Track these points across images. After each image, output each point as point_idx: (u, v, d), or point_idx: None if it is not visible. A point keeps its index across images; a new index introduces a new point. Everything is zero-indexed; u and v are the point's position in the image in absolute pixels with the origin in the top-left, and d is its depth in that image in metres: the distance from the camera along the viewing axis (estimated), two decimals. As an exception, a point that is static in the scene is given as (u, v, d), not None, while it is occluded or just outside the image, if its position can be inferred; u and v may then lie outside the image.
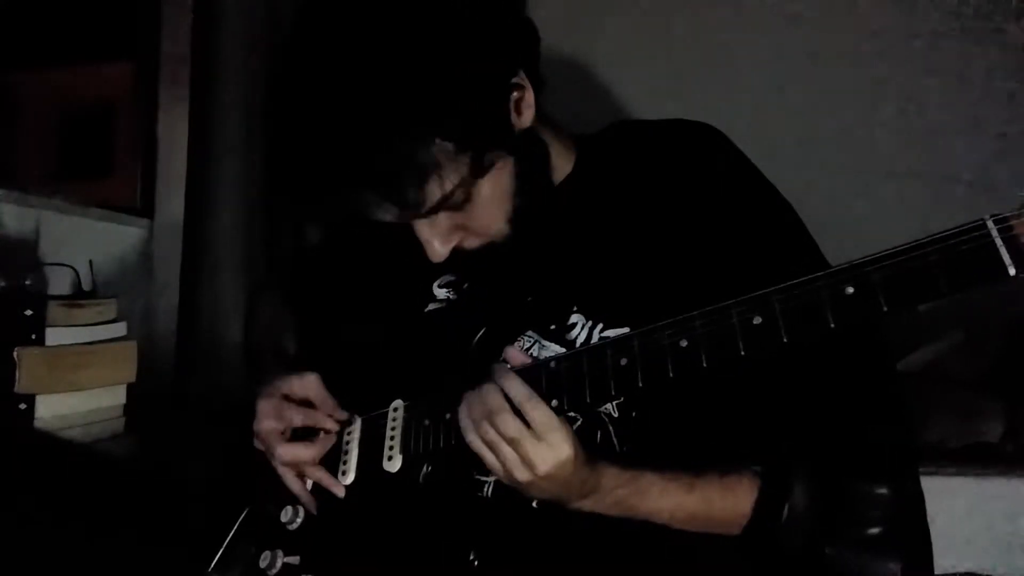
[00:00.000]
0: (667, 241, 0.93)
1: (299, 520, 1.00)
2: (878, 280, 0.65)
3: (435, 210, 0.87)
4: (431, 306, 1.06)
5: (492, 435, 0.80)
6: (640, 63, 2.01)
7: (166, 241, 1.75)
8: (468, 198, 0.87)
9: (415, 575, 0.92)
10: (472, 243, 0.92)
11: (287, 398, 1.01)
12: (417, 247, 0.92)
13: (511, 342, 0.95)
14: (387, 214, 0.86)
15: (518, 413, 0.79)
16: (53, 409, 1.28)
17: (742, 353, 0.71)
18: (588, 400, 0.80)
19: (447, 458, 0.91)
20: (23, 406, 1.25)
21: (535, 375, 0.82)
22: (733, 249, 0.90)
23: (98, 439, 1.30)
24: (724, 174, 0.96)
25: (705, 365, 0.73)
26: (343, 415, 0.99)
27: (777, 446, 0.89)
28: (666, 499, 0.86)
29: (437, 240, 0.90)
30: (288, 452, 0.99)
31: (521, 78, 0.89)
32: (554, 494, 0.83)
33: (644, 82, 1.99)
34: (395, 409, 0.96)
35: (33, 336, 1.27)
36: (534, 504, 0.89)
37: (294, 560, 0.97)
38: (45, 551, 0.88)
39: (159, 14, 1.79)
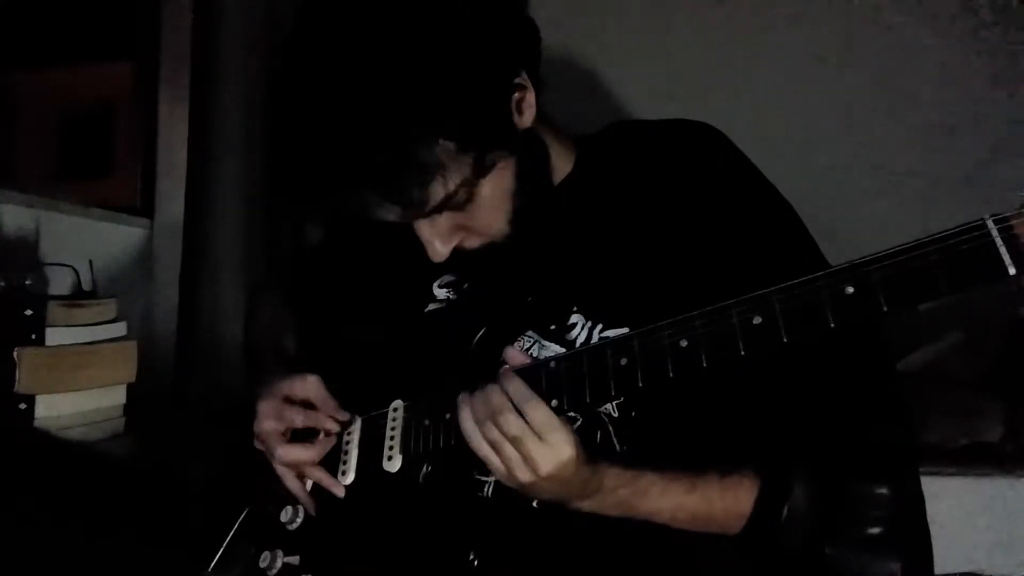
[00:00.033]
0: (667, 241, 0.93)
1: (299, 520, 1.00)
2: (878, 280, 0.65)
3: (437, 210, 0.87)
4: (431, 306, 1.06)
5: (495, 434, 0.80)
6: (640, 63, 2.01)
7: (166, 241, 1.75)
8: (470, 198, 0.88)
9: (415, 575, 0.92)
10: (473, 243, 0.92)
11: (288, 399, 1.01)
12: (417, 247, 0.92)
13: (511, 342, 0.94)
14: (390, 214, 0.86)
15: (520, 414, 0.79)
16: (53, 409, 1.28)
17: (742, 353, 0.71)
18: (588, 400, 0.80)
19: (447, 458, 0.91)
20: (23, 406, 1.25)
21: (535, 375, 0.82)
22: (733, 249, 0.90)
23: (98, 439, 1.30)
24: (724, 174, 0.96)
25: (705, 365, 0.73)
26: (344, 416, 0.99)
27: (777, 446, 0.89)
28: (667, 499, 0.86)
29: (438, 240, 0.90)
30: (288, 453, 0.99)
31: (523, 78, 0.89)
32: (556, 494, 0.83)
33: (644, 82, 1.99)
34: (395, 409, 0.96)
35: (33, 336, 1.27)
36: (534, 504, 0.89)
37: (294, 560, 0.97)
38: (45, 551, 0.88)
39: (159, 14, 1.79)
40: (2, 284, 1.28)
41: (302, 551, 0.98)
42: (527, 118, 0.91)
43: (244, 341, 1.66)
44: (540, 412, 0.79)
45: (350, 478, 0.98)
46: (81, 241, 1.57)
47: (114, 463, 1.17)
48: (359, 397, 1.01)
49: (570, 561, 0.89)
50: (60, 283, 1.44)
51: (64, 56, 1.86)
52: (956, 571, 1.38)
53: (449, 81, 0.81)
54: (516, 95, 0.89)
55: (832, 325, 0.67)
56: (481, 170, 0.86)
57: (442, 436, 0.89)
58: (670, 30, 2.03)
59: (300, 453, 0.99)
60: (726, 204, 0.93)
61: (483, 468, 0.85)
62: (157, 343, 1.69)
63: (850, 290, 0.67)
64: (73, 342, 1.32)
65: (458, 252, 0.92)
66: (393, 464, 0.93)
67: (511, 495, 0.85)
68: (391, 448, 0.94)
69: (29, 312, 1.27)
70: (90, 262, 1.47)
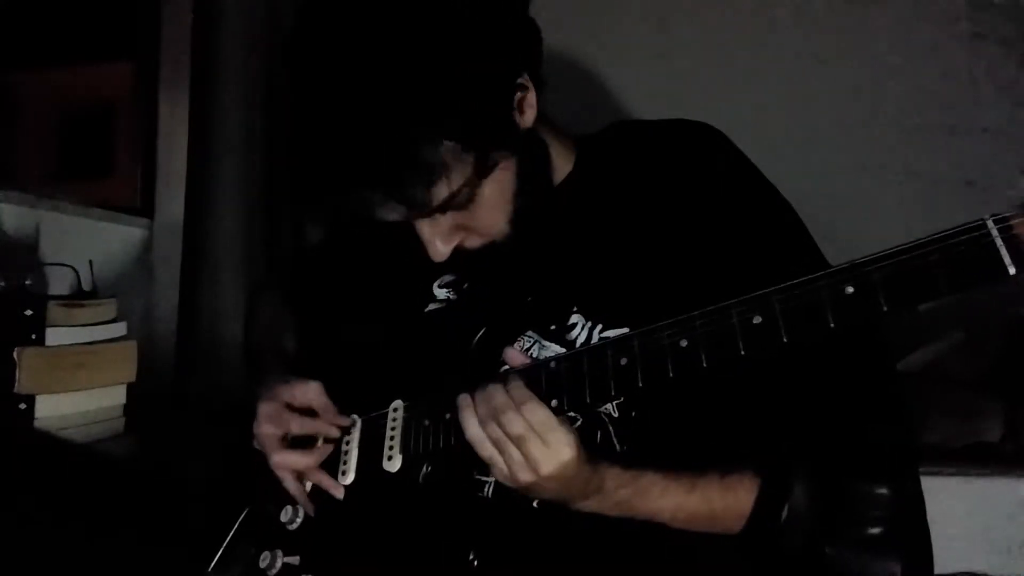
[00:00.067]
0: (667, 241, 0.93)
1: (299, 520, 1.00)
2: (878, 280, 0.65)
3: (440, 210, 0.87)
4: (431, 306, 1.06)
5: (498, 434, 0.80)
6: (640, 63, 2.01)
7: (166, 241, 1.75)
8: (471, 198, 0.88)
9: (415, 575, 0.92)
10: (473, 243, 0.93)
11: (289, 406, 1.01)
12: (417, 247, 0.92)
13: (511, 342, 0.94)
14: (393, 214, 0.86)
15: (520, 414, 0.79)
16: (53, 409, 1.28)
17: (742, 353, 0.71)
18: (588, 400, 0.80)
19: (447, 458, 0.91)
20: (23, 406, 1.25)
21: (535, 375, 0.82)
22: (733, 249, 0.91)
23: (98, 439, 1.30)
24: (724, 174, 0.96)
25: (705, 365, 0.73)
26: (344, 423, 0.99)
27: (777, 446, 0.89)
28: (667, 499, 0.86)
29: (439, 240, 0.90)
30: (283, 459, 0.99)
31: (524, 78, 0.89)
32: (557, 495, 0.83)
33: (644, 82, 1.98)
34: (395, 409, 0.96)
35: (33, 336, 1.27)
36: (534, 504, 0.89)
37: (294, 560, 0.97)
38: (45, 551, 0.88)
39: (159, 14, 1.79)
40: (2, 284, 1.28)
41: (302, 551, 0.98)
42: (528, 118, 0.91)
43: (244, 341, 1.66)
44: (540, 413, 0.79)
45: (350, 478, 0.98)
46: (81, 241, 1.57)
47: (114, 463, 1.17)
48: (359, 397, 1.01)
49: (570, 561, 0.89)
50: (60, 283, 1.44)
51: (64, 56, 1.86)
52: (956, 571, 1.38)
53: (453, 81, 0.81)
54: (518, 95, 0.89)
55: (832, 325, 0.67)
56: (483, 170, 0.86)
57: (442, 436, 0.89)
58: (670, 30, 2.02)
59: (295, 459, 0.99)
60: (726, 204, 0.93)
61: (483, 468, 0.85)
62: (157, 343, 1.69)
63: (850, 290, 0.67)
64: (73, 342, 1.32)
65: (458, 252, 0.92)
66: (393, 464, 0.93)
67: (511, 495, 0.85)
68: (391, 448, 0.94)
69: (29, 312, 1.27)
70: (90, 262, 1.47)
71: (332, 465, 1.00)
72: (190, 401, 1.67)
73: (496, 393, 0.81)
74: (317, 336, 1.20)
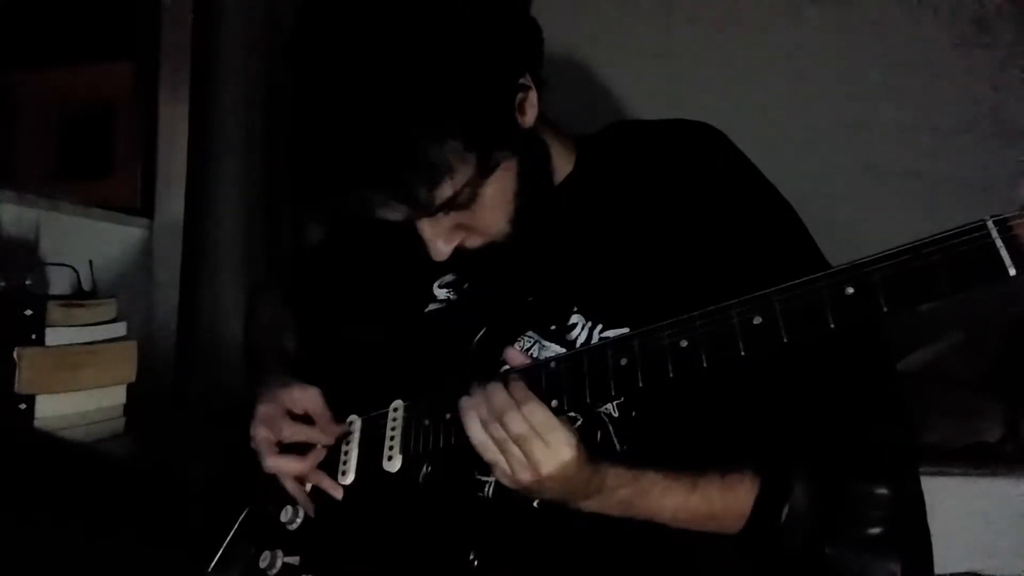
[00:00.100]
0: (667, 241, 0.93)
1: (299, 520, 1.00)
2: (878, 280, 0.65)
3: (443, 210, 0.87)
4: (431, 306, 1.06)
5: (500, 433, 0.80)
6: (640, 63, 2.01)
7: (166, 241, 1.75)
8: (473, 198, 0.88)
9: (415, 575, 0.92)
10: (474, 242, 0.93)
11: (287, 411, 1.01)
12: (417, 247, 0.92)
13: (511, 342, 0.95)
14: (396, 214, 0.86)
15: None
16: (53, 409, 1.28)
17: (742, 353, 0.71)
18: (588, 400, 0.80)
19: (447, 458, 0.91)
20: (23, 406, 1.25)
21: (535, 375, 0.82)
22: (733, 249, 0.91)
23: (98, 439, 1.30)
24: (724, 174, 0.96)
25: (705, 365, 0.73)
26: (339, 431, 0.99)
27: (777, 446, 0.89)
28: (668, 499, 0.86)
29: (440, 239, 0.90)
30: (275, 464, 0.99)
31: (526, 78, 0.89)
32: (557, 494, 0.83)
33: (644, 82, 1.98)
34: (395, 409, 0.96)
35: (33, 336, 1.27)
36: (535, 504, 0.89)
37: (294, 560, 0.97)
38: (45, 551, 0.88)
39: (159, 14, 1.79)
40: (2, 284, 1.28)
41: (302, 551, 0.98)
42: (529, 118, 0.91)
43: (244, 341, 1.66)
44: (540, 413, 0.79)
45: (350, 478, 0.98)
46: (81, 241, 1.57)
47: (114, 463, 1.17)
48: (359, 397, 1.01)
49: (570, 561, 0.89)
50: (60, 283, 1.44)
51: (64, 56, 1.86)
52: (956, 571, 1.38)
53: (456, 81, 0.81)
54: (519, 95, 0.89)
55: (832, 325, 0.67)
56: (485, 170, 0.86)
57: (442, 436, 0.89)
58: (670, 30, 2.02)
59: (289, 464, 0.99)
60: (726, 204, 0.93)
61: (483, 468, 0.85)
62: (157, 343, 1.69)
63: (850, 290, 0.67)
64: (73, 342, 1.32)
65: (459, 251, 0.92)
66: (393, 464, 0.93)
67: (511, 495, 0.85)
68: (391, 448, 0.94)
69: (29, 312, 1.27)
70: (90, 262, 1.47)
71: (332, 465, 1.00)
72: (190, 401, 1.67)
73: (497, 393, 0.81)
74: (317, 336, 1.20)
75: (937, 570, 0.92)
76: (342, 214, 1.09)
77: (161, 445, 1.36)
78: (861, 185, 1.90)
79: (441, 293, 1.06)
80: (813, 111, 1.93)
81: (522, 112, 0.90)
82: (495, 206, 0.90)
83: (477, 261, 0.94)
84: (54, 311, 1.30)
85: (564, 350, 0.93)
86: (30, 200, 1.51)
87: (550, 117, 0.98)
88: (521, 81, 0.89)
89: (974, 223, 0.62)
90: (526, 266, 0.97)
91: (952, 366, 1.70)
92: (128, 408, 1.40)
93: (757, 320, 0.71)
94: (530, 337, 0.97)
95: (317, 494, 1.00)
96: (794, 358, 0.73)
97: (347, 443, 1.00)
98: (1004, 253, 0.60)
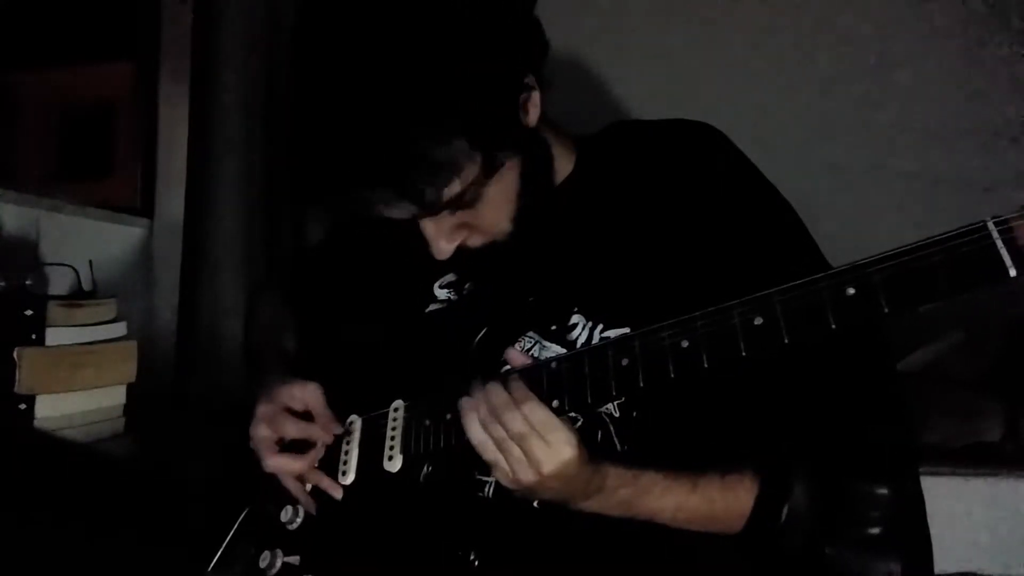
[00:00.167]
0: (667, 241, 0.93)
1: (299, 520, 1.00)
2: (879, 281, 0.65)
3: (448, 208, 0.87)
4: (432, 306, 1.06)
5: (500, 433, 0.80)
6: (640, 63, 2.01)
7: (166, 241, 1.75)
8: (477, 197, 0.88)
9: (415, 575, 0.92)
10: (475, 241, 0.93)
11: (287, 407, 1.01)
12: (418, 247, 0.92)
13: (512, 343, 0.94)
14: (402, 212, 0.86)
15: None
16: (53, 409, 1.28)
17: (743, 354, 0.71)
18: (589, 400, 0.80)
19: (448, 458, 0.91)
20: (23, 406, 1.25)
21: (536, 376, 0.82)
22: (733, 249, 0.91)
23: (98, 439, 1.30)
24: (724, 174, 0.96)
25: (706, 365, 0.73)
26: (339, 428, 0.99)
27: (777, 446, 0.89)
28: (668, 498, 0.86)
29: (443, 238, 0.90)
30: (275, 463, 0.99)
31: (529, 78, 0.89)
32: (558, 494, 0.83)
33: (644, 82, 1.98)
34: (395, 409, 0.96)
35: (33, 336, 1.27)
36: (535, 504, 0.89)
37: (294, 560, 0.97)
38: (45, 551, 0.88)
39: (159, 14, 1.79)
40: (2, 284, 1.28)
41: (302, 551, 0.98)
42: (532, 118, 0.91)
43: (244, 341, 1.66)
44: (540, 412, 0.79)
45: (350, 478, 0.98)
46: (81, 241, 1.57)
47: (114, 463, 1.17)
48: (359, 397, 1.01)
49: (571, 561, 0.89)
50: (60, 283, 1.44)
51: (64, 56, 1.86)
52: (956, 571, 1.38)
53: (463, 80, 0.81)
54: (523, 95, 0.89)
55: (833, 326, 0.67)
56: (490, 169, 0.87)
57: (443, 436, 0.89)
58: (670, 30, 2.02)
59: (289, 463, 0.99)
60: (726, 204, 0.93)
61: (484, 468, 0.85)
62: (157, 343, 1.69)
63: (851, 291, 0.67)
64: (73, 342, 1.32)
65: (460, 250, 0.92)
66: (394, 464, 0.93)
67: (511, 495, 0.85)
68: (391, 448, 0.94)
69: (29, 312, 1.27)
70: (90, 262, 1.47)
71: (332, 465, 1.00)
72: (190, 401, 1.67)
73: (496, 393, 0.81)
74: (317, 336, 1.20)
75: (937, 570, 0.92)
76: (348, 212, 1.09)
77: (161, 445, 1.36)
78: (862, 185, 1.91)
79: (442, 293, 1.06)
80: (813, 111, 1.93)
81: (525, 112, 0.90)
82: (498, 205, 0.90)
83: (478, 260, 0.94)
84: (54, 311, 1.30)
85: (565, 350, 0.93)
86: (30, 200, 1.51)
87: (551, 117, 0.98)
88: (525, 81, 0.89)
89: (974, 224, 0.62)
90: (527, 266, 0.97)
91: (952, 366, 1.70)
92: (128, 408, 1.40)
93: (758, 321, 0.71)
94: (531, 337, 0.97)
95: (317, 494, 1.00)
96: (795, 359, 0.73)
97: (347, 443, 1.00)
98: (1004, 254, 0.60)
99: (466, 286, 1.05)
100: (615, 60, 2.01)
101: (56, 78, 1.90)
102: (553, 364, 0.83)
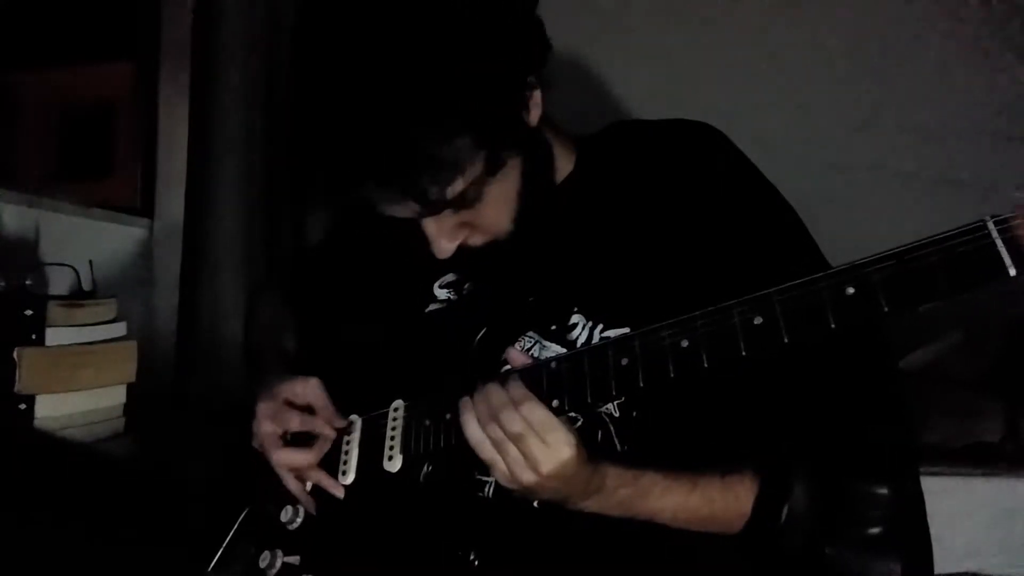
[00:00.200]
0: (667, 241, 0.93)
1: (299, 520, 1.00)
2: (879, 281, 0.65)
3: (451, 207, 0.87)
4: (432, 306, 1.06)
5: (498, 433, 0.80)
6: (640, 63, 2.01)
7: (166, 241, 1.75)
8: (479, 196, 0.88)
9: (415, 575, 0.92)
10: (476, 240, 0.93)
11: (289, 403, 1.01)
12: (418, 247, 0.92)
13: (512, 342, 0.95)
14: (405, 211, 0.86)
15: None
16: (53, 409, 1.27)
17: (743, 353, 0.71)
18: (589, 400, 0.80)
19: (448, 458, 0.91)
20: (23, 406, 1.24)
21: (536, 375, 0.82)
22: (733, 249, 0.91)
23: (98, 439, 1.30)
24: (724, 174, 0.96)
25: (706, 365, 0.73)
26: (342, 422, 0.99)
27: (777, 446, 0.89)
28: (668, 498, 0.86)
29: (444, 237, 0.91)
30: (283, 457, 0.99)
31: (531, 78, 0.89)
32: (558, 495, 0.83)
33: (644, 82, 1.98)
34: (395, 409, 0.96)
35: (33, 336, 1.27)
36: (535, 504, 0.89)
37: (294, 560, 0.97)
38: (45, 551, 0.88)
39: (159, 14, 1.79)
40: (2, 284, 1.28)
41: (302, 551, 0.98)
42: (534, 117, 0.92)
43: (244, 341, 1.66)
44: (539, 412, 0.79)
45: (350, 478, 0.98)
46: (81, 241, 1.57)
47: (114, 463, 1.17)
48: (359, 397, 1.01)
49: (570, 561, 0.89)
50: (60, 283, 1.44)
51: (64, 56, 1.86)
52: (956, 571, 1.38)
53: (467, 78, 0.81)
54: (526, 94, 0.89)
55: (833, 326, 0.67)
56: (493, 168, 0.87)
57: (443, 436, 0.89)
58: (670, 30, 2.02)
59: (295, 457, 0.99)
60: (726, 204, 0.93)
61: (484, 468, 0.85)
62: (157, 343, 1.68)
63: (851, 291, 0.67)
64: (73, 342, 1.32)
65: (461, 250, 0.92)
66: (393, 464, 0.93)
67: (511, 495, 0.85)
68: (391, 448, 0.94)
69: (29, 312, 1.27)
70: (90, 262, 1.47)
71: (332, 465, 1.00)
72: (190, 401, 1.67)
73: (495, 393, 0.81)
74: (317, 336, 1.20)
75: (937, 570, 0.92)
76: (350, 210, 1.09)
77: (161, 445, 1.36)
78: (861, 185, 1.90)
79: (442, 293, 1.06)
80: (813, 111, 1.93)
81: (527, 111, 0.91)
82: (499, 204, 0.91)
83: (479, 260, 0.94)
84: (54, 311, 1.30)
85: (565, 350, 0.93)
86: (30, 200, 1.51)
87: (551, 117, 0.98)
88: (527, 80, 0.89)
89: (974, 223, 0.62)
90: (527, 266, 0.97)
91: (952, 366, 1.70)
92: (128, 408, 1.40)
93: (758, 320, 0.71)
94: (531, 337, 0.97)
95: (317, 494, 1.00)
96: (795, 358, 0.73)
97: (347, 443, 1.00)
98: (1004, 253, 0.60)
99: (466, 286, 1.05)
100: (615, 60, 2.01)
101: (56, 78, 1.90)
102: (553, 364, 0.83)
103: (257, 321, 1.36)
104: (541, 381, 0.82)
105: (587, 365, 0.80)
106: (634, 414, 0.92)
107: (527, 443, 0.78)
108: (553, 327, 0.96)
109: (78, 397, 1.32)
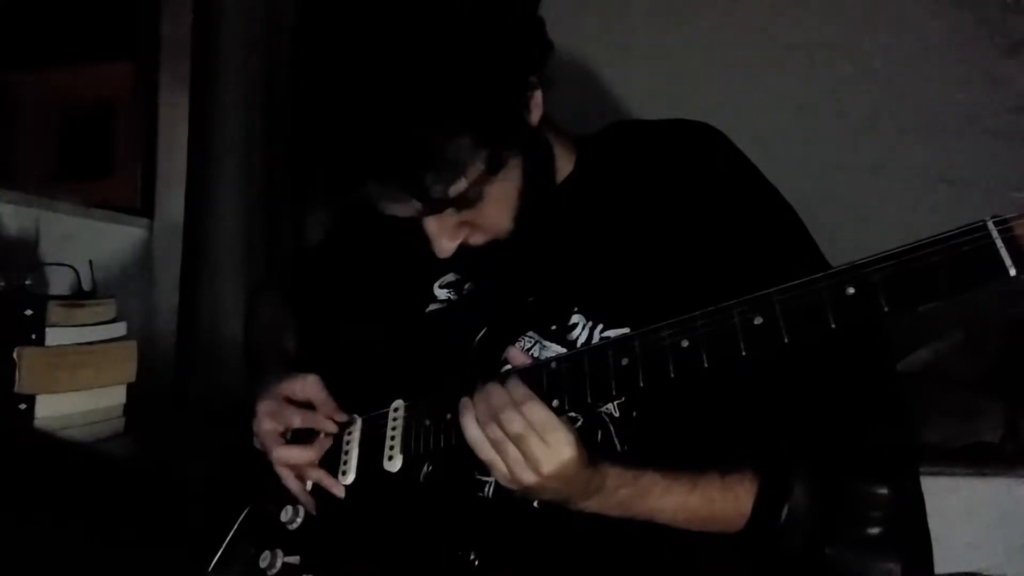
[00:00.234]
0: (667, 241, 0.93)
1: (299, 520, 1.00)
2: (879, 281, 0.65)
3: (453, 206, 0.87)
4: (432, 306, 1.06)
5: (498, 434, 0.80)
6: (640, 63, 2.01)
7: (166, 241, 1.75)
8: (480, 195, 0.88)
9: (415, 575, 0.92)
10: (477, 240, 0.93)
11: (288, 400, 1.01)
12: (418, 247, 0.92)
13: (512, 342, 0.95)
14: (407, 209, 0.86)
15: (520, 414, 0.79)
16: (53, 409, 1.28)
17: (743, 353, 0.71)
18: (589, 400, 0.80)
19: (448, 458, 0.91)
20: (23, 406, 1.25)
21: (536, 375, 0.82)
22: (733, 249, 0.91)
23: (98, 439, 1.30)
24: (724, 174, 0.96)
25: (706, 365, 0.73)
26: (343, 417, 0.99)
27: (777, 446, 0.89)
28: (668, 499, 0.86)
29: (445, 236, 0.91)
30: (285, 454, 0.99)
31: (533, 77, 0.90)
32: (557, 495, 0.83)
33: (644, 82, 1.98)
34: (395, 409, 0.96)
35: (33, 336, 1.27)
36: (535, 504, 0.89)
37: (294, 560, 0.97)
38: (45, 551, 0.88)
39: (159, 14, 1.79)
40: (2, 284, 1.28)
41: (302, 551, 0.98)
42: (535, 117, 0.92)
43: (244, 341, 1.66)
44: (539, 412, 0.79)
45: (350, 478, 0.98)
46: (81, 241, 1.57)
47: (114, 463, 1.17)
48: (359, 397, 1.01)
49: (570, 561, 0.89)
50: (60, 283, 1.44)
51: (64, 56, 1.85)
52: (956, 571, 1.39)
53: (470, 77, 0.81)
54: (527, 94, 0.89)
55: (833, 326, 0.67)
56: (495, 167, 0.87)
57: (443, 436, 0.89)
58: (670, 30, 2.02)
59: (298, 454, 0.99)
60: (726, 204, 0.93)
61: (484, 468, 0.85)
62: (157, 343, 1.68)
63: (851, 291, 0.67)
64: (73, 342, 1.32)
65: (461, 249, 0.92)
66: (394, 464, 0.93)
67: (511, 495, 0.85)
68: (392, 448, 0.94)
69: (29, 312, 1.27)
70: (90, 262, 1.47)
71: (333, 465, 1.00)
72: (190, 401, 1.67)
73: (495, 393, 0.81)
74: (317, 336, 1.20)
75: (937, 570, 0.92)
76: (352, 209, 1.09)
77: (161, 445, 1.36)
78: (862, 185, 1.91)
79: (442, 293, 1.06)
80: (814, 111, 1.93)
81: (528, 111, 0.91)
82: (500, 204, 0.91)
83: (479, 260, 0.94)
84: (54, 311, 1.30)
85: (565, 350, 0.93)
86: (30, 200, 1.51)
87: (551, 117, 0.98)
88: (529, 79, 0.89)
89: (974, 223, 0.62)
90: (527, 266, 0.97)
91: (952, 366, 1.70)
92: (128, 408, 1.40)
93: (758, 320, 0.71)
94: (531, 337, 0.97)
95: (317, 493, 1.00)
96: (795, 358, 0.73)
97: (347, 443, 1.00)
98: (1004, 253, 0.60)
99: (466, 286, 1.05)
100: (615, 60, 2.01)
101: (56, 78, 1.90)
102: (553, 364, 0.83)
103: (257, 321, 1.36)
104: (541, 381, 0.82)
105: (587, 365, 0.80)
106: (634, 414, 0.92)
107: (528, 443, 0.78)
108: (553, 327, 0.96)
109: (78, 397, 1.32)
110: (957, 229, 0.63)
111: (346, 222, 1.24)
